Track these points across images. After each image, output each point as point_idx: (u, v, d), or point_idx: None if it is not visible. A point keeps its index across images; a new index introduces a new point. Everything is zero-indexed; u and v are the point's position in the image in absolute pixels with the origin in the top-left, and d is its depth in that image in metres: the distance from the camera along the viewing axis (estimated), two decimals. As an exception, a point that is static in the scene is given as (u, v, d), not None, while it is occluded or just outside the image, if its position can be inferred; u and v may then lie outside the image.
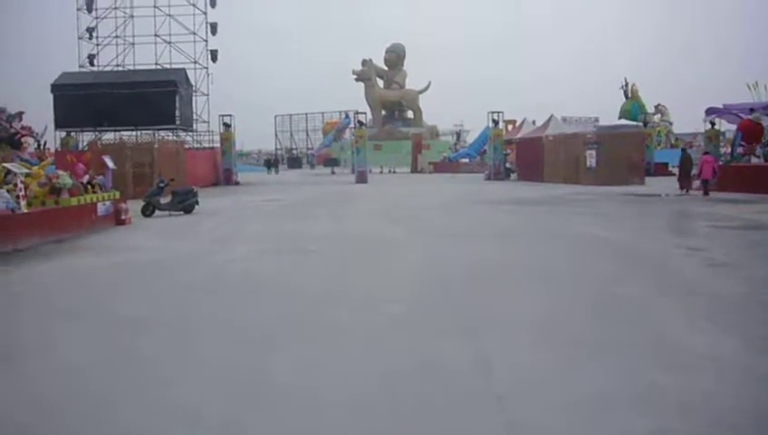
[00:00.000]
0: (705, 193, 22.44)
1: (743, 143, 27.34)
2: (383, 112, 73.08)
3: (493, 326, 6.37)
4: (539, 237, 13.02)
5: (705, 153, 25.45)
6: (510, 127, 45.31)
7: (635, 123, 44.09)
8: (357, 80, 72.17)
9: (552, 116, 39.51)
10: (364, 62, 72.40)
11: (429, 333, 6.17)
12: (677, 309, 6.96)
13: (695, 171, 24.19)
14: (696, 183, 23.48)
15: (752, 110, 29.64)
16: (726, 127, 34.80)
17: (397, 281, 8.92)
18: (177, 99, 36.11)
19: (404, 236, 13.38)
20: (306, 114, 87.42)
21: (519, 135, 40.52)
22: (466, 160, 52.90)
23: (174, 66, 40.10)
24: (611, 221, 15.45)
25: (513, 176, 37.85)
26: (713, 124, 31.83)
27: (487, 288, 8.28)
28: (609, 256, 10.56)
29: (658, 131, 53.62)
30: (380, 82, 74.33)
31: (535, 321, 6.54)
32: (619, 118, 51.73)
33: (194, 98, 40.39)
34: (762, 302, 7.24)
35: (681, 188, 23.98)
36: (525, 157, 37.06)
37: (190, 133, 40.29)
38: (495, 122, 38.51)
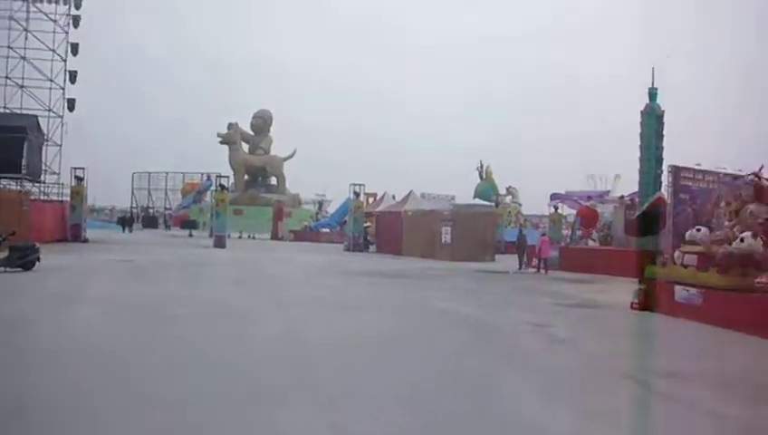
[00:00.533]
0: (545, 270, 24.39)
1: (581, 227, 29.83)
2: (246, 177, 72.56)
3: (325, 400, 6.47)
4: (392, 310, 13.38)
5: (543, 234, 27.53)
6: (371, 200, 46.41)
7: (488, 203, 46.63)
8: (222, 142, 71.37)
9: (411, 192, 40.97)
10: (230, 126, 71.97)
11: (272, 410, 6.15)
12: (523, 381, 7.42)
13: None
14: (536, 260, 25.47)
15: (589, 197, 32.55)
16: (568, 211, 37.68)
17: (240, 358, 8.75)
18: (26, 146, 33.79)
19: (257, 306, 13.14)
20: (167, 173, 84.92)
21: (379, 208, 41.58)
22: (327, 230, 53.36)
23: (25, 112, 37.91)
24: (463, 296, 16.18)
25: (372, 248, 38.56)
26: (556, 208, 34.38)
27: (339, 361, 8.35)
28: (458, 330, 11.05)
29: (509, 212, 56.93)
30: (246, 147, 74.06)
31: (376, 393, 6.69)
32: (474, 197, 54.54)
33: (45, 147, 38.15)
34: (598, 375, 7.87)
35: (519, 265, 25.77)
36: (385, 230, 38.00)
37: (38, 184, 37.92)
38: (357, 194, 39.35)
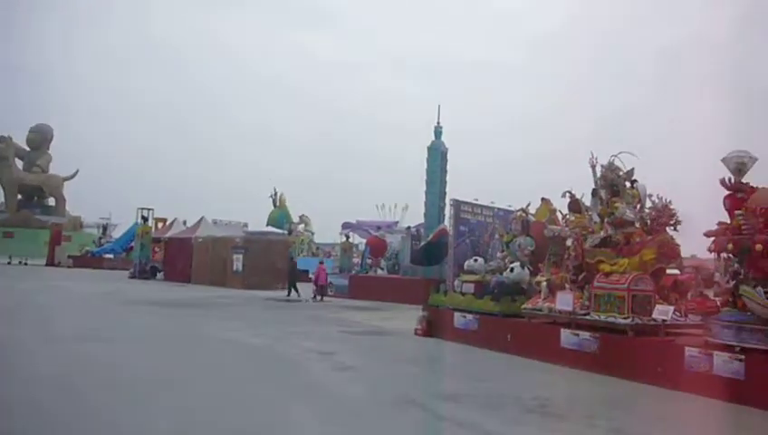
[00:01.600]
0: (321, 297, 25.00)
1: (370, 256, 30.88)
2: (20, 197, 66.03)
3: None
4: (174, 341, 12.82)
5: (321, 262, 28.11)
6: (160, 225, 44.36)
7: (281, 231, 46.61)
8: (-9, 158, 64.48)
9: (202, 218, 39.82)
10: (1, 139, 65.17)
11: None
12: (305, 410, 7.42)
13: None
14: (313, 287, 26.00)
15: (379, 227, 33.86)
16: (359, 240, 38.84)
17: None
18: None
19: (24, 340, 11.93)
20: None
21: (169, 234, 39.87)
22: (111, 256, 50.12)
23: None
24: (251, 325, 15.92)
25: (160, 275, 36.83)
26: (347, 237, 35.32)
27: (109, 396, 7.81)
28: (244, 360, 10.84)
29: (302, 240, 57.34)
30: (20, 164, 67.44)
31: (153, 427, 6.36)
32: (267, 225, 54.23)
33: None
34: (381, 401, 8.09)
35: (288, 291, 26.08)
36: (174, 257, 36.47)
37: None
38: (145, 219, 37.51)
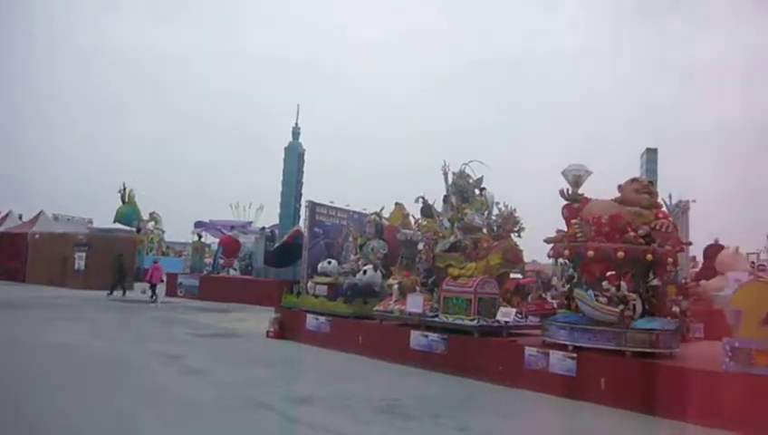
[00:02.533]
0: (154, 296, 23.97)
1: (223, 256, 30.10)
2: None
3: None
4: (7, 346, 11.79)
5: (155, 262, 26.96)
6: (-9, 219, 40.72)
7: (129, 228, 44.36)
8: None
9: (41, 212, 37.05)
10: None
11: None
12: (151, 417, 7.08)
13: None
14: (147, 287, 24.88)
15: (232, 227, 33.13)
16: (212, 240, 37.76)
17: None
18: None
19: None
20: None
21: (1, 229, 36.67)
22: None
23: None
24: (93, 327, 15.01)
25: (-13, 273, 33.79)
26: (200, 236, 34.21)
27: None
28: (84, 366, 10.17)
29: (151, 238, 54.92)
30: None
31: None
32: (115, 221, 51.42)
33: None
34: (230, 405, 7.87)
35: (111, 290, 25.01)
36: (6, 254, 33.56)
37: None
38: (-29, 212, 34.22)
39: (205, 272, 29.39)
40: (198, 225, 34.86)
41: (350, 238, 15.09)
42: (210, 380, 9.59)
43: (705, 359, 8.42)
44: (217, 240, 33.65)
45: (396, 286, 12.05)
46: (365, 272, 13.26)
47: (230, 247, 30.28)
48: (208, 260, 33.04)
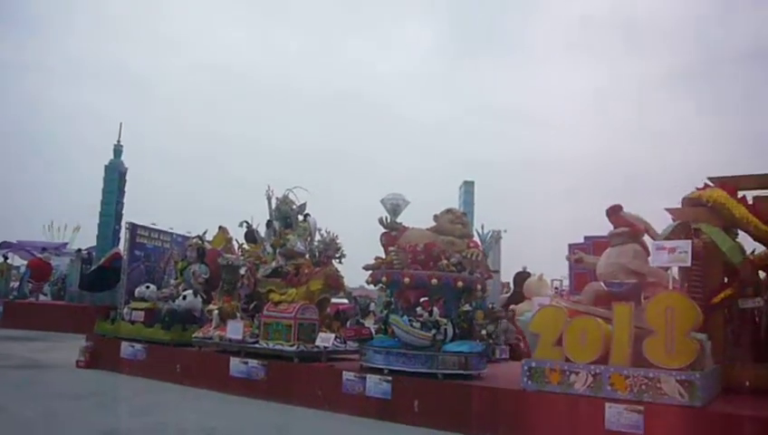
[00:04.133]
0: None
1: (31, 280, 27.75)
2: None
3: None
4: None
5: None
6: None
7: None
8: None
9: None
10: None
11: None
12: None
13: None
14: None
15: (44, 249, 30.69)
16: (20, 262, 34.72)
17: None
18: None
19: None
20: None
21: None
22: None
23: None
24: None
25: None
26: (5, 258, 31.31)
27: None
28: None
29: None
30: None
31: None
32: None
33: None
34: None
35: None
36: None
37: None
38: None
39: (10, 297, 26.94)
40: (4, 245, 31.89)
41: (173, 262, 14.58)
42: (9, 416, 8.78)
43: (508, 379, 9.01)
44: (26, 262, 30.96)
45: (216, 312, 11.78)
46: (185, 297, 12.84)
47: (40, 270, 27.96)
48: (15, 284, 30.33)
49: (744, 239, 9.26)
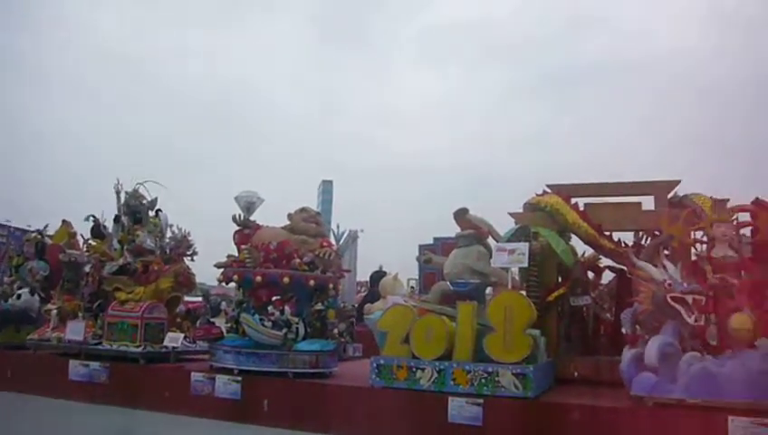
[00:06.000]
0: None
1: None
2: None
3: None
4: None
5: None
6: None
7: None
8: None
9: None
10: None
11: None
12: None
13: None
14: None
15: None
16: None
17: None
18: None
19: None
20: None
21: None
22: None
23: None
24: None
25: None
26: None
27: None
28: None
29: None
30: None
31: None
32: None
33: None
34: None
35: None
36: None
37: None
38: None
39: None
40: None
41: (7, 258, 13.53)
42: None
43: (358, 376, 9.13)
44: None
45: (55, 312, 11.06)
46: (19, 296, 11.94)
47: None
48: None
49: (576, 243, 10.01)
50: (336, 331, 10.41)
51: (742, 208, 8.65)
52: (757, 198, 8.51)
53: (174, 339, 10.15)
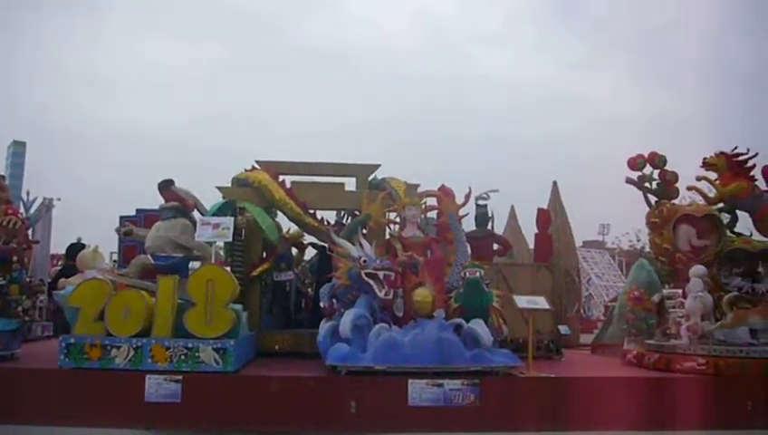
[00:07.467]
0: None
1: None
2: None
3: None
4: None
5: None
6: None
7: None
8: None
9: None
10: None
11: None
12: None
13: None
14: None
15: None
16: None
17: None
18: None
19: None
20: None
21: None
22: None
23: None
24: None
25: None
26: None
27: None
28: None
29: None
30: None
31: None
32: None
33: None
34: None
35: None
36: None
37: None
38: None
39: None
40: None
41: None
42: None
43: (45, 358, 8.37)
44: None
45: None
46: None
47: None
48: None
49: (281, 219, 10.31)
50: (20, 308, 9.36)
51: (430, 193, 9.70)
52: (443, 185, 9.60)
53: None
